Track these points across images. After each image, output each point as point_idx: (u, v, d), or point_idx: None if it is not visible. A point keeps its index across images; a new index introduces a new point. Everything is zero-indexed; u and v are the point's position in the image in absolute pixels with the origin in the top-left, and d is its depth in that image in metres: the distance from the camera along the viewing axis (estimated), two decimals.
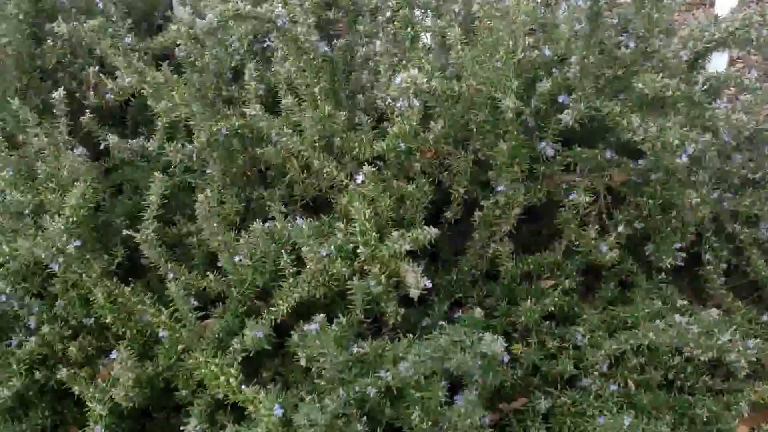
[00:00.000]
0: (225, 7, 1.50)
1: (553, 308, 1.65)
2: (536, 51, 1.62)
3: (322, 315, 1.37)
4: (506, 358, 1.47)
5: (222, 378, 1.38)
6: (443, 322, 1.52)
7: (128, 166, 1.80)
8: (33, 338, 1.44)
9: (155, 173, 1.53)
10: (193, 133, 1.65)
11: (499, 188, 1.63)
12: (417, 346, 1.34)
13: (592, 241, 1.65)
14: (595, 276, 1.76)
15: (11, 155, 1.71)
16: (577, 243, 1.68)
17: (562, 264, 1.71)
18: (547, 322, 1.65)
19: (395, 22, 1.68)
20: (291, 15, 1.59)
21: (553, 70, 1.61)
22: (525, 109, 1.57)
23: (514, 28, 1.54)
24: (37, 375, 1.43)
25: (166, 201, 1.65)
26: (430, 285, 1.42)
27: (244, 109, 1.59)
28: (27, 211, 1.54)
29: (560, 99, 1.60)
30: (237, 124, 1.62)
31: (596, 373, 1.58)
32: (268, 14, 1.55)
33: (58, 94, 1.67)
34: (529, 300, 1.64)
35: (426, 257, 1.68)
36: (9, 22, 1.82)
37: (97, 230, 1.69)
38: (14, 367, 1.39)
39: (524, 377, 1.58)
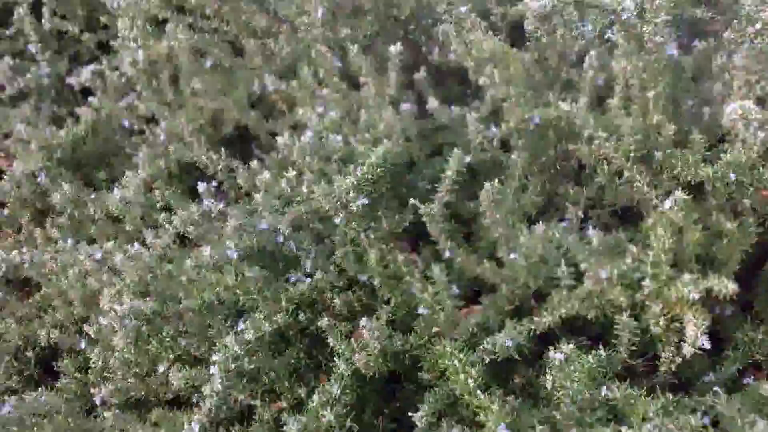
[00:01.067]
0: None
1: None
2: None
3: (571, 346, 1.29)
4: None
5: (462, 375, 1.36)
6: (720, 389, 1.36)
7: (449, 130, 1.80)
8: (307, 281, 1.52)
9: (455, 149, 1.52)
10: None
11: None
12: (665, 417, 1.21)
13: None
14: None
15: (345, 98, 1.80)
16: None
17: None
18: None
19: (765, 36, 1.47)
20: (640, 9, 1.47)
21: None
22: None
23: None
24: (301, 317, 1.53)
25: (473, 173, 1.65)
26: (708, 346, 1.27)
27: (560, 103, 1.51)
28: (336, 157, 1.62)
29: None
30: (553, 114, 1.54)
31: None
32: (614, 5, 1.44)
33: (395, 48, 1.71)
34: None
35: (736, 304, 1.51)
36: None
37: (406, 187, 1.74)
38: (283, 303, 1.49)
39: None
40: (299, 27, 1.85)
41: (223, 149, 1.86)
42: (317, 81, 1.83)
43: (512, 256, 1.46)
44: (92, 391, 1.57)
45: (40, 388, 1.54)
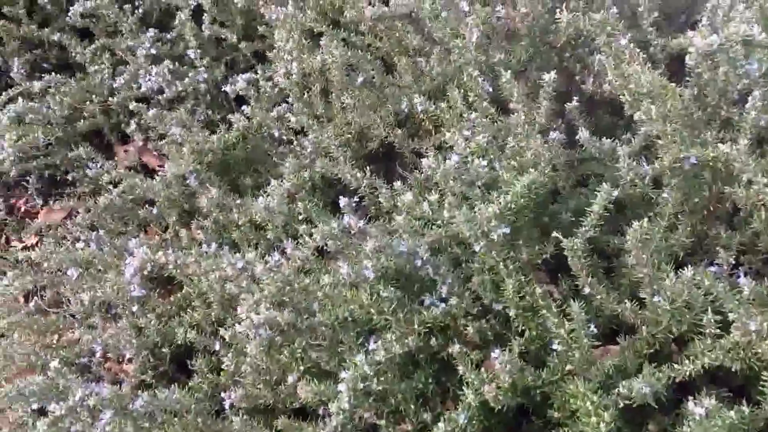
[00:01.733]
0: (734, 31, 1.39)
1: None
2: None
3: (712, 401, 1.25)
4: None
5: (593, 418, 1.35)
6: None
7: (597, 161, 1.78)
8: (441, 306, 1.54)
9: (603, 184, 1.51)
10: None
11: None
12: None
13: None
14: None
15: (494, 123, 1.81)
16: None
17: None
18: None
19: None
20: None
21: None
22: None
23: None
24: (433, 342, 1.54)
25: (620, 207, 1.63)
26: None
27: (718, 144, 1.47)
28: (480, 183, 1.63)
29: None
30: (710, 155, 1.50)
31: None
32: None
33: (549, 77, 1.70)
34: None
35: None
36: None
37: (548, 216, 1.73)
38: (415, 326, 1.51)
39: None
40: (453, 49, 1.87)
41: (367, 167, 1.90)
42: (466, 104, 1.84)
43: (656, 298, 1.44)
44: (222, 394, 1.64)
45: (172, 385, 1.61)
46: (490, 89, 1.79)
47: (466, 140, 1.75)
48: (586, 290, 1.51)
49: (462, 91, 1.85)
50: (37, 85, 2.42)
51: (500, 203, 1.51)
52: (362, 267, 1.45)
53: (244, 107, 2.22)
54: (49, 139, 2.38)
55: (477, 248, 1.49)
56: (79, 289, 1.99)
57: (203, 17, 2.54)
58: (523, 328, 1.53)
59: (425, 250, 1.51)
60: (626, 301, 1.51)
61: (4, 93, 2.44)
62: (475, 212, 1.50)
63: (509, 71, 1.73)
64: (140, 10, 2.63)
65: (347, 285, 1.51)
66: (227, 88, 2.23)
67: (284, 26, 2.18)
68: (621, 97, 1.59)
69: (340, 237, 1.56)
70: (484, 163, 1.66)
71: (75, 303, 2.02)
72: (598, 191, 1.52)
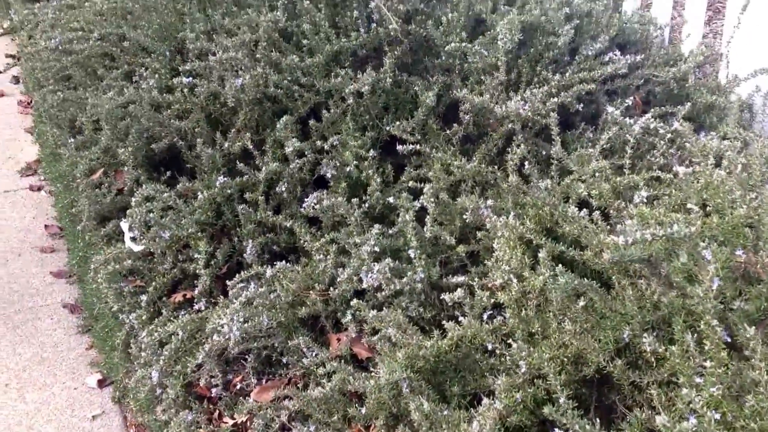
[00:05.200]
0: None
1: None
2: None
3: None
4: None
5: None
6: None
7: None
8: None
9: None
10: None
11: None
12: None
13: None
14: None
15: (728, 373, 1.61)
16: None
17: None
18: None
19: None
20: None
21: None
22: None
23: None
24: None
25: None
26: None
27: None
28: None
29: None
30: None
31: None
32: None
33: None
34: None
35: None
36: None
37: None
38: None
39: None
40: (690, 295, 1.70)
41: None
42: (699, 349, 1.65)
43: None
44: None
45: None
46: (729, 339, 1.59)
47: (697, 388, 1.56)
48: None
49: (695, 335, 1.66)
50: (269, 272, 2.44)
51: None
52: None
53: (457, 313, 2.13)
54: (271, 323, 2.37)
55: None
56: None
57: (426, 219, 2.49)
58: None
59: None
60: None
61: (237, 275, 2.48)
62: None
63: (752, 327, 1.53)
64: (366, 205, 2.63)
65: None
66: (446, 296, 2.14)
67: (507, 242, 2.09)
68: None
69: None
70: (717, 416, 1.47)
71: None
72: None
